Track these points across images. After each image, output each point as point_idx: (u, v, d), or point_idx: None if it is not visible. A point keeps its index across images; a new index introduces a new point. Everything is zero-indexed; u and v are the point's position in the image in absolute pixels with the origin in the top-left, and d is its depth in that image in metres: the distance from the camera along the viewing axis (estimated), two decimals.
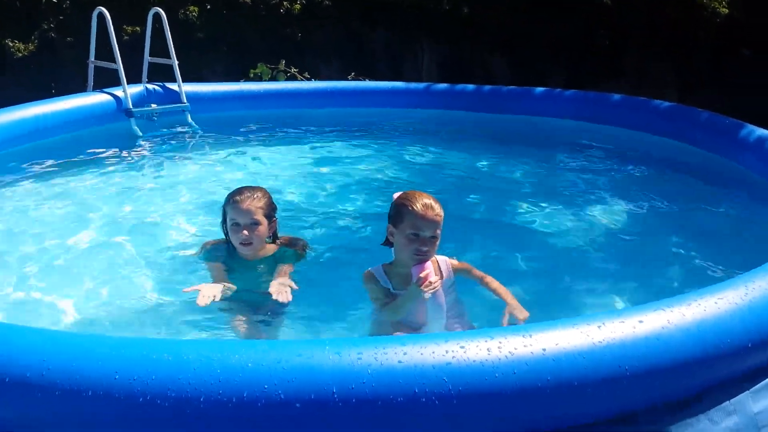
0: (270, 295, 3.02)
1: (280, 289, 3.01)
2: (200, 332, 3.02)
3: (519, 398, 1.96)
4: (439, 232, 2.91)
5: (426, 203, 2.89)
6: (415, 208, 2.88)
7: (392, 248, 3.04)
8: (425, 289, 2.80)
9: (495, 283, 3.11)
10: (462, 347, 1.98)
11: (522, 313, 2.90)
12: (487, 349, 1.99)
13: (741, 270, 2.78)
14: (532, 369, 1.98)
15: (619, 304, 3.21)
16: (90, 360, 1.94)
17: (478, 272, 3.17)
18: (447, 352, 1.97)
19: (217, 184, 5.39)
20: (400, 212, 2.92)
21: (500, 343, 2.01)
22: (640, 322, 2.18)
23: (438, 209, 2.91)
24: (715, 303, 2.34)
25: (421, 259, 2.90)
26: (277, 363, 1.92)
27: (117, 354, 1.95)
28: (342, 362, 1.93)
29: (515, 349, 2.00)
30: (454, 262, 3.14)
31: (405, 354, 1.95)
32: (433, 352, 1.96)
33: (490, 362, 1.96)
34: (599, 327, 2.12)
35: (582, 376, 2.02)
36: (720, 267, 3.63)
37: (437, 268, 3.02)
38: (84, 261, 3.83)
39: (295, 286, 3.06)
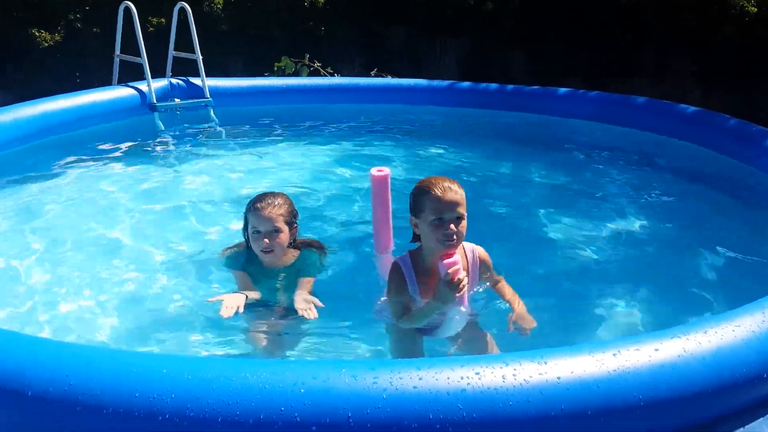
0: (295, 311, 3.05)
1: (306, 306, 3.02)
2: (220, 342, 3.05)
3: (533, 426, 1.97)
4: (462, 211, 2.81)
5: (444, 185, 2.81)
6: (434, 192, 2.79)
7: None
8: (455, 291, 2.69)
9: (507, 288, 3.06)
10: (477, 374, 2.00)
11: (529, 324, 2.85)
12: (502, 376, 2.00)
13: (762, 291, 2.76)
14: (546, 397, 1.99)
15: (634, 320, 3.19)
16: (112, 376, 1.98)
17: (495, 274, 3.11)
18: (462, 378, 1.98)
19: (239, 179, 5.45)
20: (419, 200, 2.84)
21: (515, 370, 2.02)
22: (656, 350, 2.17)
23: (457, 188, 2.83)
24: (732, 331, 2.33)
25: (451, 244, 2.80)
26: (294, 385, 1.95)
27: (138, 371, 1.99)
28: (358, 386, 1.95)
29: (530, 376, 2.01)
30: (481, 251, 3.05)
31: (420, 379, 1.97)
32: (448, 378, 1.98)
33: (505, 389, 1.98)
34: (614, 355, 2.13)
35: (596, 405, 2.02)
36: (741, 286, 3.59)
37: (465, 257, 2.95)
38: (103, 262, 3.87)
39: (320, 303, 3.06)
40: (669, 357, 2.17)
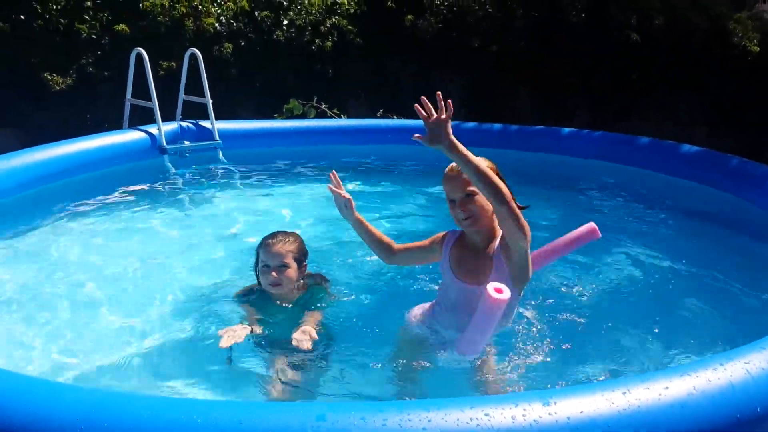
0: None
1: (302, 337, 3.06)
2: (229, 381, 3.05)
3: None
4: (471, 189, 2.83)
5: (453, 165, 2.86)
6: (444, 171, 2.89)
7: None
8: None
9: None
10: (486, 415, 2.00)
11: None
12: (512, 417, 2.00)
13: None
14: None
15: (643, 358, 3.17)
16: (124, 422, 1.99)
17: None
18: (471, 419, 1.98)
19: (248, 221, 5.49)
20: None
21: (525, 410, 2.02)
22: (666, 388, 2.17)
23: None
24: (742, 368, 2.33)
25: (466, 226, 2.89)
26: (301, 427, 1.94)
27: (148, 415, 1.99)
28: (367, 428, 1.95)
29: (540, 417, 2.01)
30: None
31: (429, 421, 1.97)
32: (458, 420, 1.98)
33: (515, 431, 1.97)
34: (624, 394, 2.12)
35: None
36: (749, 322, 3.58)
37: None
38: (112, 304, 3.88)
39: (315, 336, 3.09)
40: (679, 395, 2.17)
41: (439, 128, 2.65)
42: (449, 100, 2.65)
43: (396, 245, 3.23)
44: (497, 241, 2.93)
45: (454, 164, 2.85)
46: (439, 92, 2.66)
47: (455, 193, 2.86)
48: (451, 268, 3.04)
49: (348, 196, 3.14)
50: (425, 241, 3.21)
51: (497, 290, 2.69)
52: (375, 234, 3.20)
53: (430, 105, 2.67)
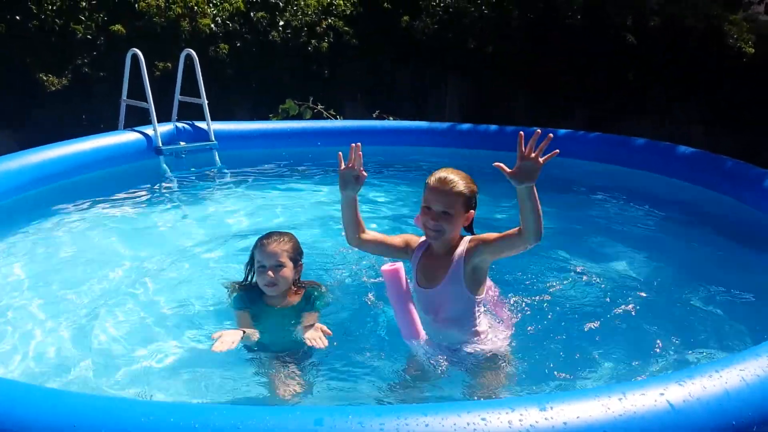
0: (302, 342, 3.09)
1: (315, 335, 3.07)
2: (225, 387, 3.05)
3: None
4: (452, 209, 2.88)
5: (442, 177, 2.90)
6: (430, 180, 2.93)
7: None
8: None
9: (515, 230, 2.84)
10: (483, 419, 2.00)
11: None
12: (509, 422, 2.01)
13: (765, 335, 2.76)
14: None
15: (636, 364, 3.18)
16: (123, 427, 1.99)
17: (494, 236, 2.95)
18: (468, 424, 1.99)
19: (243, 222, 5.49)
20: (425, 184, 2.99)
21: (521, 415, 2.03)
22: (661, 394, 2.18)
23: (454, 184, 2.88)
24: (738, 375, 2.34)
25: (431, 236, 2.95)
26: None
27: (150, 421, 1.99)
28: None
29: (536, 422, 2.02)
30: (474, 239, 3.00)
31: (427, 425, 1.98)
32: (455, 424, 1.99)
33: None
34: (620, 399, 2.13)
35: None
36: (745, 327, 3.59)
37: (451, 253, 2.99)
38: (107, 306, 3.87)
39: (329, 332, 3.11)
40: (675, 401, 2.18)
41: (535, 170, 2.66)
42: (557, 151, 2.67)
43: (367, 232, 3.21)
44: (461, 248, 3.00)
45: (444, 177, 2.90)
46: (551, 135, 2.67)
47: (436, 205, 2.91)
48: (416, 279, 3.12)
49: (365, 173, 3.12)
50: (399, 240, 3.23)
51: (390, 266, 2.98)
52: (358, 215, 3.18)
53: (532, 144, 2.67)
